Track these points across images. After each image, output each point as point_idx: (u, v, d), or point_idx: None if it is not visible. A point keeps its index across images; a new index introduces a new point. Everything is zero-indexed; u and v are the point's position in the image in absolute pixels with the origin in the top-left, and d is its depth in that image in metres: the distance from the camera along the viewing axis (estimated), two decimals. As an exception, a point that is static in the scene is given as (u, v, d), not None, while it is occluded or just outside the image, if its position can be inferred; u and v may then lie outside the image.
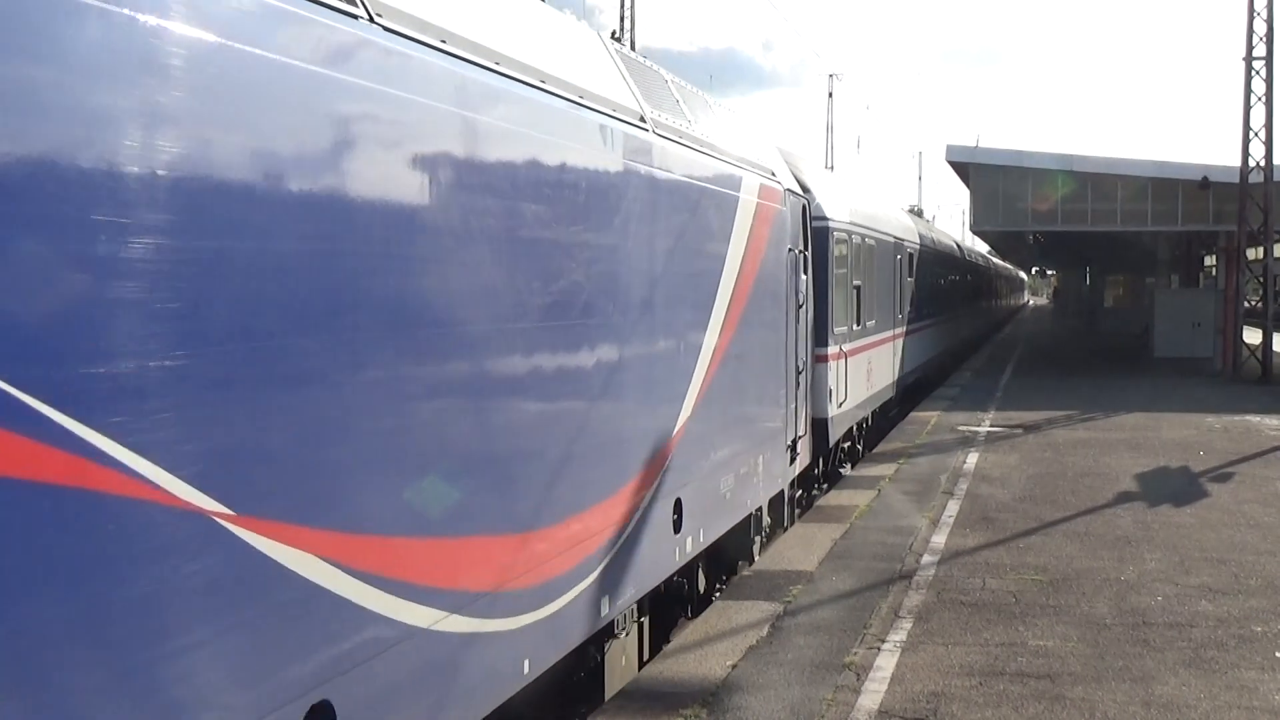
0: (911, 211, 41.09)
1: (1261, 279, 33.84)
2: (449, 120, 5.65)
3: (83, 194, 3.51)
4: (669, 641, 9.69)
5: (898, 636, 9.30)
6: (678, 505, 9.04)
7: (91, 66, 3.56)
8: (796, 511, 14.45)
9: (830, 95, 67.79)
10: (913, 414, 24.15)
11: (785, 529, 13.14)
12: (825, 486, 16.59)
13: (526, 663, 6.45)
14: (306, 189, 4.56)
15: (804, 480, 14.90)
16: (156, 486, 3.79)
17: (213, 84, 4.01)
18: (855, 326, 17.81)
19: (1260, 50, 31.83)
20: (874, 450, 19.75)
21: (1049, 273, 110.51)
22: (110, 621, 3.63)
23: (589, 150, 7.30)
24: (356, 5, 4.92)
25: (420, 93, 5.37)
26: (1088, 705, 7.83)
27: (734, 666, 8.66)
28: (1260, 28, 31.72)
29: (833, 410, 15.89)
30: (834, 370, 15.95)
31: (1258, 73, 31.89)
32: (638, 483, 8.15)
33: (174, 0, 3.86)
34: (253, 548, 4.22)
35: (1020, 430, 21.63)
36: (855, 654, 8.89)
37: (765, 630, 9.52)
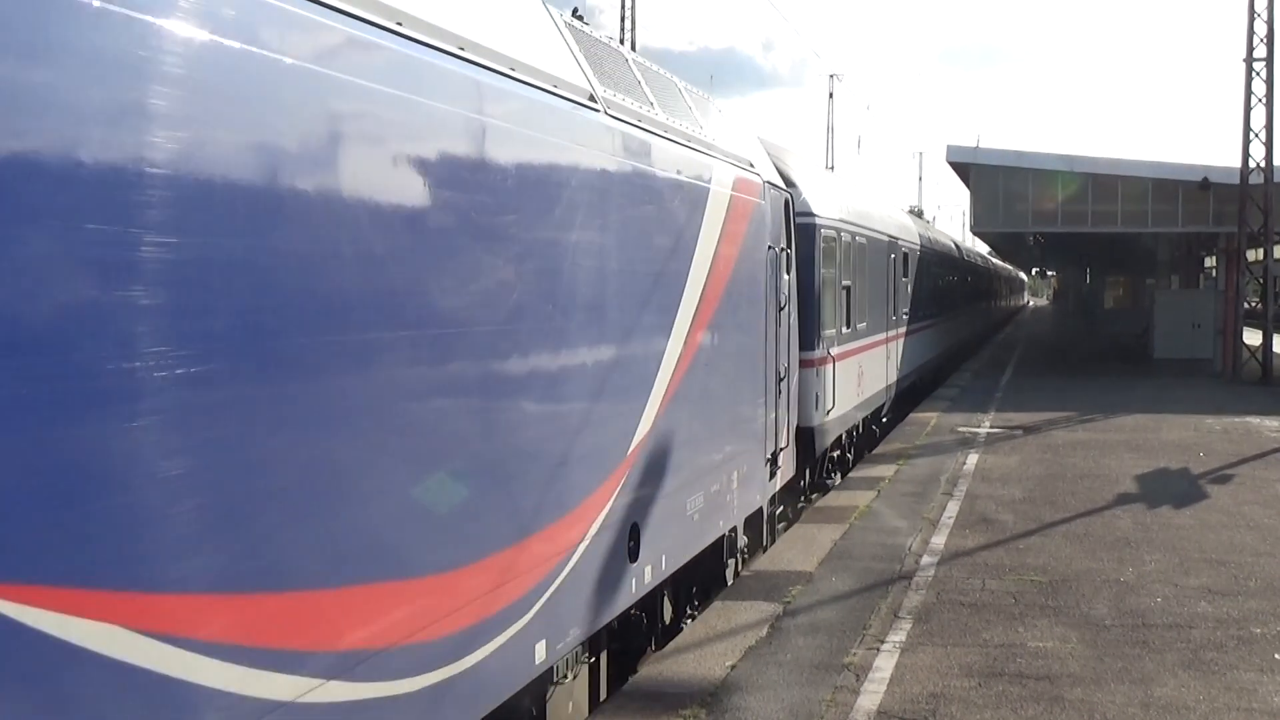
0: (911, 212, 41.14)
1: (1261, 280, 33.84)
2: (315, 81, 4.58)
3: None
4: (635, 673, 8.98)
5: (897, 637, 9.30)
6: (634, 531, 8.08)
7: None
8: (783, 524, 13.79)
9: (831, 95, 67.87)
10: (912, 415, 24.15)
11: (765, 549, 12.26)
12: (814, 497, 15.76)
13: None
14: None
15: (789, 493, 13.95)
16: None
17: None
18: (845, 329, 16.95)
19: (1260, 51, 31.83)
20: (874, 451, 19.75)
21: (1049, 274, 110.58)
22: None
23: (519, 130, 6.30)
24: None
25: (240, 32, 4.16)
26: (1087, 706, 7.83)
27: (733, 667, 8.66)
28: (1260, 29, 31.72)
29: (820, 418, 15.05)
30: (821, 376, 15.11)
31: (1258, 74, 31.89)
32: (584, 508, 7.20)
33: None
34: (15, 621, 3.28)
35: (1020, 431, 21.63)
36: (854, 654, 8.90)
37: (764, 630, 9.52)
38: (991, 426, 22.32)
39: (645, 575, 8.42)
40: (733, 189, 10.43)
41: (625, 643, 9.17)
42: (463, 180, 5.71)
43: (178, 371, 3.85)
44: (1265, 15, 31.60)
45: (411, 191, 5.34)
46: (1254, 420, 23.27)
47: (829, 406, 15.47)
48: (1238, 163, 32.25)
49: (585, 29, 8.47)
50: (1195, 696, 8.01)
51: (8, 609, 3.26)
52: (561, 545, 6.87)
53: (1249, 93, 31.95)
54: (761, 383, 11.55)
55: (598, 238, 7.38)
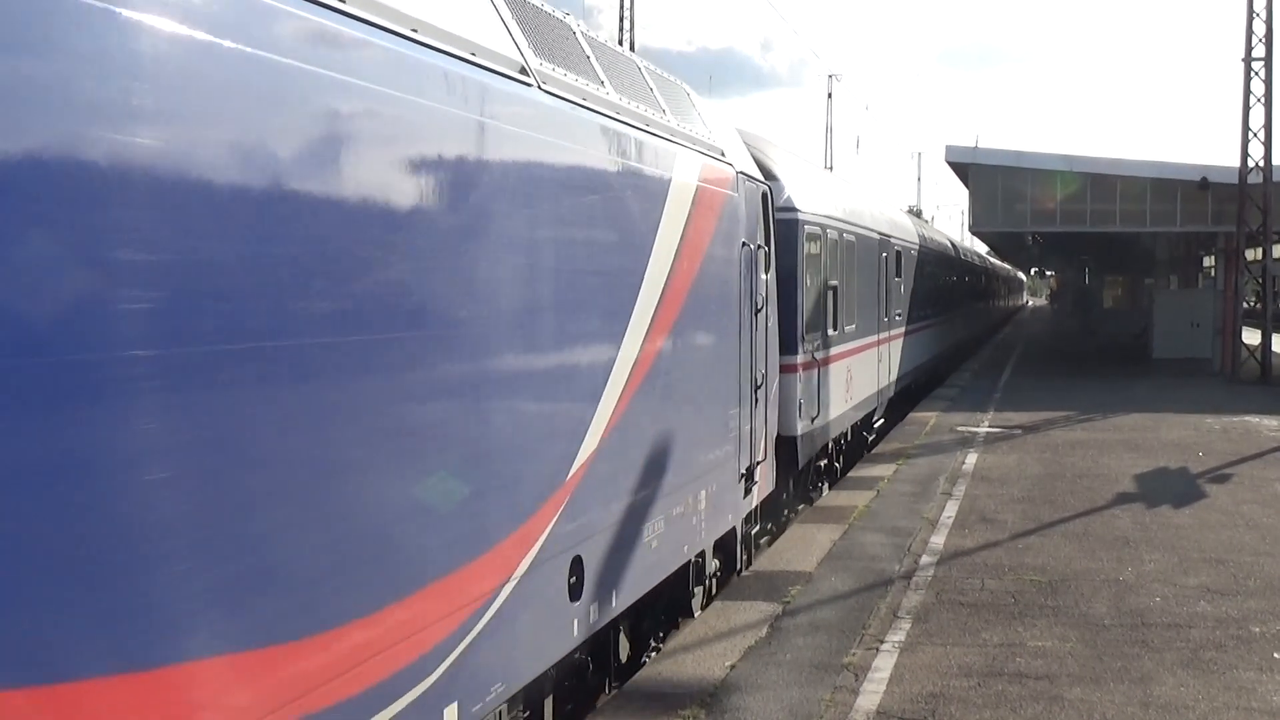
0: (910, 212, 41.14)
1: (1260, 279, 33.87)
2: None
3: None
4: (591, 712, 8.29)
5: (896, 637, 9.30)
6: (577, 565, 7.10)
7: None
8: (767, 537, 13.38)
9: (829, 96, 67.91)
10: (911, 415, 24.15)
11: (739, 573, 11.30)
12: (799, 508, 14.88)
13: None
14: None
15: (769, 509, 13.16)
16: None
17: None
18: (831, 332, 15.88)
19: (1259, 51, 31.84)
20: (873, 451, 19.74)
21: (1048, 273, 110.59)
22: None
23: (421, 103, 5.32)
24: None
25: None
26: (1086, 706, 7.84)
27: (733, 667, 8.66)
28: (1259, 28, 31.74)
29: (803, 427, 14.08)
30: (804, 381, 14.14)
31: (1257, 73, 31.91)
32: (511, 544, 6.20)
33: None
34: None
35: (1019, 431, 21.64)
36: (854, 654, 8.90)
37: (764, 631, 9.53)
38: (991, 426, 22.32)
39: (591, 615, 7.39)
40: (700, 179, 9.47)
41: (578, 685, 8.28)
42: (334, 164, 4.67)
43: None
44: (1264, 15, 31.61)
45: (253, 180, 4.21)
46: (1253, 419, 23.28)
47: (813, 414, 14.56)
48: (1236, 162, 32.26)
49: None
50: (1194, 696, 8.01)
51: None
52: (480, 589, 5.86)
53: (1248, 92, 31.97)
54: (735, 391, 10.57)
55: (527, 232, 6.39)
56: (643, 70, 9.33)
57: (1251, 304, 35.06)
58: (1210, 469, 17.34)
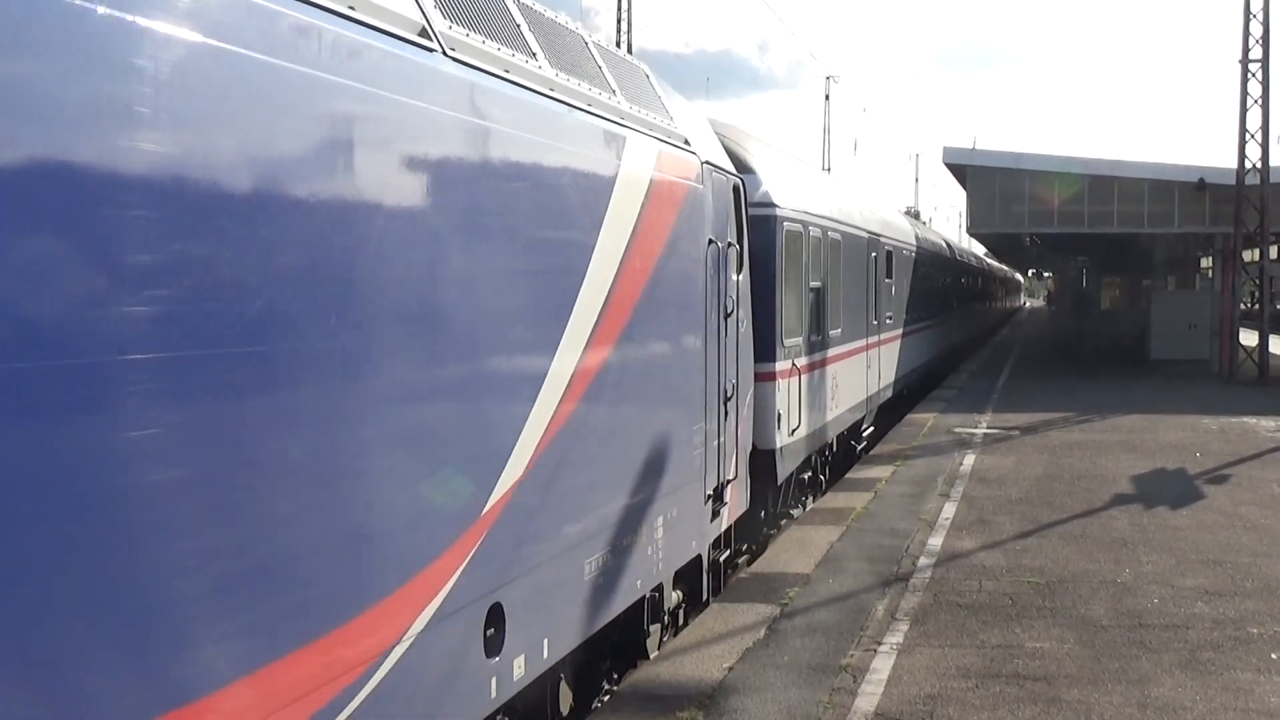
0: (908, 213, 41.11)
1: (1257, 280, 33.90)
2: None
3: None
4: None
5: (894, 639, 9.30)
6: (497, 614, 6.12)
7: None
8: (746, 556, 12.55)
9: (827, 98, 68.00)
10: (909, 416, 24.15)
11: (706, 603, 10.28)
12: (781, 525, 14.02)
13: None
14: None
15: (745, 529, 12.12)
16: None
17: None
18: (814, 336, 14.92)
19: (1256, 53, 31.86)
20: (871, 452, 19.74)
21: (1046, 275, 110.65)
22: None
23: (274, 64, 4.32)
24: None
25: None
26: (1084, 707, 7.84)
27: (730, 669, 8.66)
28: (1256, 30, 31.76)
29: (782, 439, 13.10)
30: (784, 390, 13.19)
31: (1254, 75, 31.93)
32: (403, 597, 5.20)
33: None
34: None
35: (1017, 432, 21.65)
36: (852, 656, 8.90)
37: (762, 632, 9.53)
38: (988, 427, 22.33)
39: (516, 670, 6.39)
40: (657, 169, 8.55)
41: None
42: (174, 140, 3.86)
43: None
44: (1261, 16, 31.64)
45: (76, 154, 3.52)
46: (1250, 420, 23.30)
47: (793, 425, 13.61)
48: (1234, 164, 32.28)
49: None
50: (1192, 697, 8.02)
51: None
52: (358, 654, 4.87)
53: (1245, 94, 31.99)
54: (699, 404, 9.58)
55: (426, 227, 5.41)
56: (590, 46, 8.25)
57: (1249, 305, 35.07)
58: (1208, 470, 17.36)
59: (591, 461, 7.38)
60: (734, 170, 11.14)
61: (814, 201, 15.39)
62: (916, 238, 28.19)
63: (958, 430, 21.91)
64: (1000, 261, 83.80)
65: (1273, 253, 32.98)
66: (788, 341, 13.43)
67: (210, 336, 4.02)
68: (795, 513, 14.56)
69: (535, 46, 6.92)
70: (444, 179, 5.60)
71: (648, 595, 8.71)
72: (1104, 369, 35.99)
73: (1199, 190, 33.59)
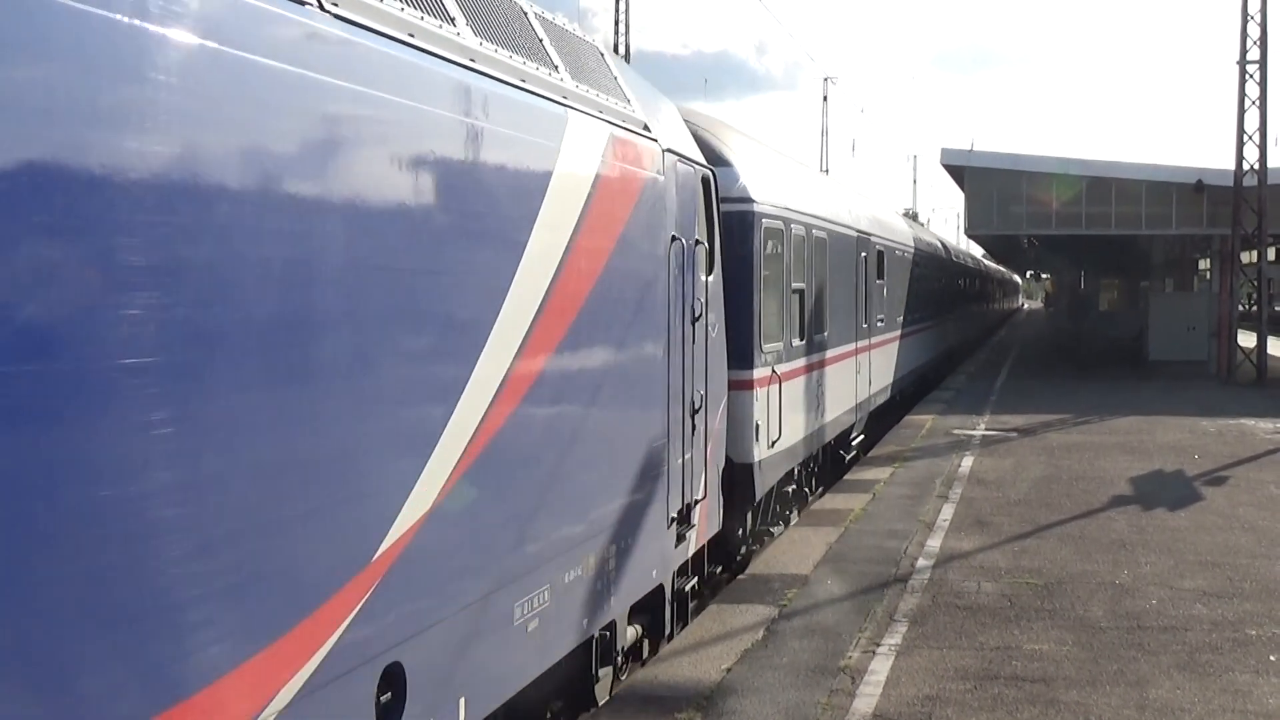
0: (906, 214, 41.12)
1: (1255, 282, 33.94)
2: None
3: None
4: None
5: (893, 640, 9.30)
6: (393, 677, 5.16)
7: None
8: (725, 575, 11.82)
9: (825, 99, 68.04)
10: (908, 418, 24.15)
11: (669, 637, 9.39)
12: (761, 542, 13.12)
13: None
14: None
15: (718, 550, 11.32)
16: None
17: None
18: (797, 341, 13.93)
19: (1254, 54, 31.91)
20: (869, 454, 19.73)
21: (1044, 276, 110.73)
22: None
23: (90, 12, 3.56)
24: None
25: None
26: (1082, 709, 7.84)
27: (729, 670, 8.66)
28: (1254, 31, 31.80)
29: (761, 452, 12.14)
30: (762, 399, 12.21)
31: (1252, 76, 31.98)
32: (265, 663, 4.29)
33: None
34: None
35: (1015, 434, 21.65)
36: (850, 657, 8.90)
37: (760, 634, 9.52)
38: (987, 429, 22.34)
39: None
40: (608, 156, 7.62)
41: None
42: None
43: None
44: (1259, 18, 31.68)
45: None
46: (1248, 422, 23.30)
47: (774, 437, 12.61)
48: (1232, 165, 32.32)
49: None
50: (1190, 699, 8.01)
51: None
52: None
53: (1243, 95, 32.03)
54: (660, 418, 8.64)
55: (299, 215, 4.49)
56: (531, 17, 7.25)
57: (1247, 306, 35.10)
58: (1206, 471, 17.36)
59: (524, 488, 6.40)
60: (704, 161, 10.18)
61: (796, 197, 14.46)
62: (910, 238, 27.52)
63: (956, 432, 21.91)
64: (998, 263, 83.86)
65: (1270, 254, 33.00)
66: (766, 347, 12.49)
67: (30, 352, 3.36)
68: (776, 530, 13.51)
69: (455, 11, 6.02)
70: (327, 162, 4.69)
71: (597, 635, 7.70)
72: (1102, 371, 36.01)
73: (1197, 192, 33.62)
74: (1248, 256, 34.18)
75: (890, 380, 22.92)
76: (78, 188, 3.51)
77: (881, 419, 22.46)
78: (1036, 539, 12.89)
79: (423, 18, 5.55)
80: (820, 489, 16.20)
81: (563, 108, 7.00)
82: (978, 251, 70.00)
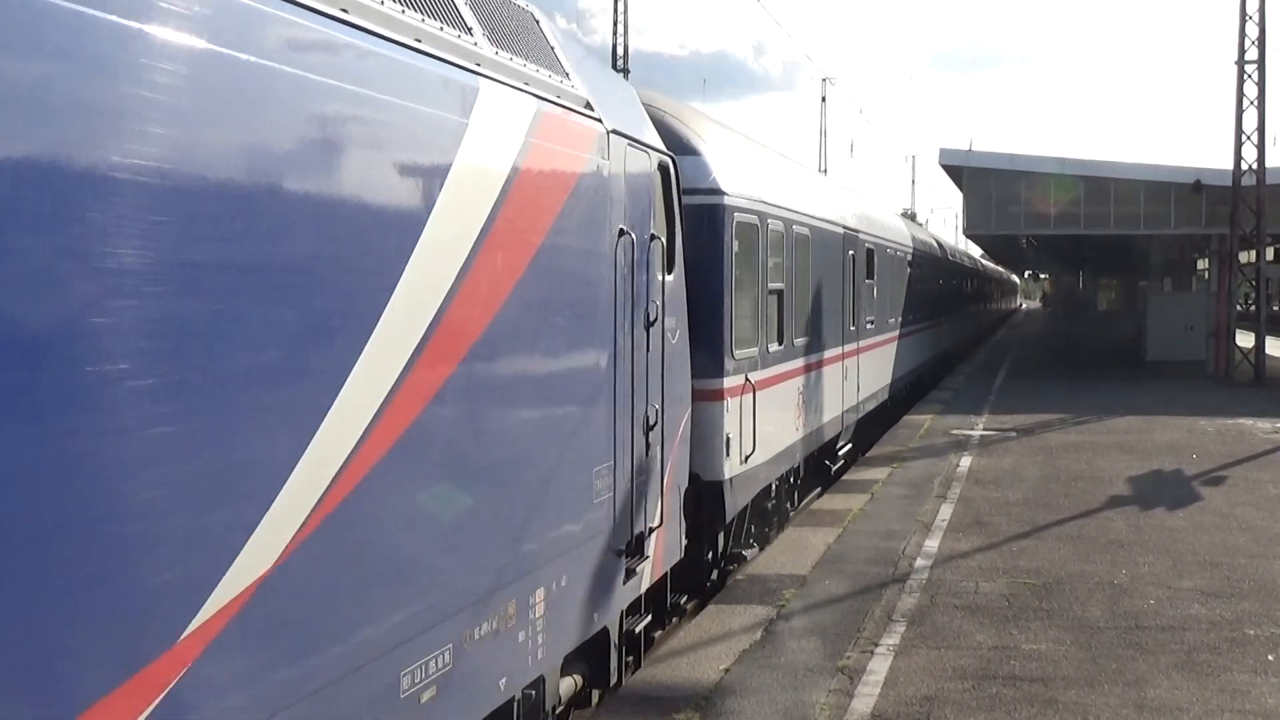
0: (905, 215, 41.10)
1: (1254, 282, 33.95)
2: None
3: None
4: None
5: (891, 640, 9.30)
6: None
7: None
8: (689, 610, 10.72)
9: (823, 99, 68.02)
10: (906, 418, 24.15)
11: (617, 685, 8.27)
12: (733, 568, 11.83)
13: None
14: None
15: (684, 573, 10.18)
16: None
17: None
18: (774, 346, 12.80)
19: (1253, 54, 31.93)
20: (867, 454, 19.73)
21: (1042, 276, 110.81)
22: None
23: None
24: None
25: None
26: (1080, 708, 7.84)
27: (727, 670, 8.66)
28: (1252, 31, 31.82)
29: (732, 469, 10.97)
30: (734, 410, 11.10)
31: (1250, 76, 31.99)
32: None
33: None
34: None
35: (1014, 434, 21.65)
36: (848, 658, 8.90)
37: (758, 634, 9.52)
38: (985, 429, 22.34)
39: None
40: (535, 136, 6.53)
41: None
42: None
43: None
44: (1257, 18, 31.70)
45: None
46: (1247, 422, 23.31)
47: (747, 451, 11.50)
48: (1230, 165, 32.34)
49: None
50: (1189, 698, 8.01)
51: None
52: None
53: (1241, 95, 32.05)
54: (605, 437, 7.57)
55: (72, 197, 3.47)
56: None
57: (1245, 306, 35.14)
58: (1204, 471, 17.37)
59: (413, 533, 5.27)
60: (663, 148, 9.14)
61: (775, 190, 13.31)
62: (904, 235, 26.37)
63: (954, 432, 21.91)
64: (996, 263, 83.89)
65: (1269, 254, 33.02)
66: (739, 353, 11.36)
67: None
68: (749, 553, 12.20)
69: None
70: (132, 128, 3.69)
71: (519, 695, 6.59)
72: (1100, 371, 36.03)
73: (1195, 192, 33.64)
74: (1246, 256, 34.20)
75: (882, 385, 21.93)
76: None
77: (874, 425, 21.88)
78: (1035, 539, 12.89)
79: None
80: (801, 503, 15.20)
81: (474, 76, 5.91)
82: (975, 251, 70.01)
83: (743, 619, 9.96)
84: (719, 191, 11.11)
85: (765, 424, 12.13)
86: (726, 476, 10.86)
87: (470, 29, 6.17)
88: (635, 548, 8.17)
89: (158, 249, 3.75)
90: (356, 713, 4.84)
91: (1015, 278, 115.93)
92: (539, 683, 6.88)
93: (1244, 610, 10.08)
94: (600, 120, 7.62)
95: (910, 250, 26.53)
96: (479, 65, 6.01)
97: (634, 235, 8.03)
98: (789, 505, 14.35)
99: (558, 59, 7.44)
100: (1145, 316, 41.00)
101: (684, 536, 9.57)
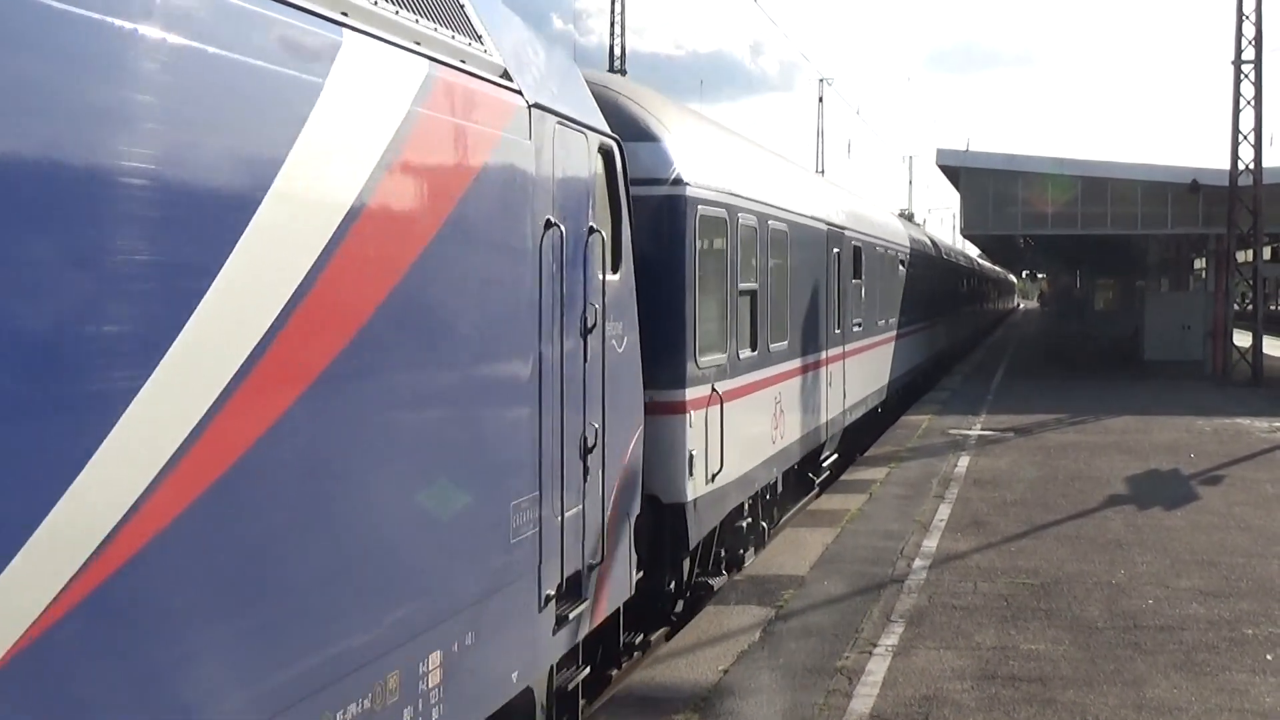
0: (902, 215, 41.08)
1: (1251, 281, 33.97)
2: None
3: None
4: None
5: (889, 641, 9.30)
6: None
7: None
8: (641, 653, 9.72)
9: (820, 100, 68.05)
10: (903, 418, 24.15)
11: None
12: (693, 601, 10.79)
13: None
14: None
15: (642, 608, 9.38)
16: None
17: None
18: (746, 352, 11.66)
19: (1249, 54, 31.95)
20: (865, 454, 19.73)
21: (1040, 276, 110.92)
22: None
23: None
24: None
25: None
26: (1079, 708, 7.84)
27: (725, 671, 8.65)
28: (1249, 31, 31.86)
29: (696, 489, 9.94)
30: (698, 425, 10.05)
31: (1246, 76, 32.01)
32: None
33: None
34: None
35: (1011, 434, 21.66)
36: (847, 658, 8.89)
37: (757, 635, 9.52)
38: (983, 429, 22.35)
39: None
40: (420, 104, 5.36)
41: None
42: None
43: None
44: (1254, 18, 31.73)
45: None
46: (1244, 421, 23.33)
47: (714, 469, 10.42)
48: (1227, 165, 32.36)
49: None
50: (1187, 698, 8.02)
51: None
52: None
53: (1238, 95, 32.07)
54: (527, 465, 6.44)
55: None
56: None
57: (1242, 306, 35.18)
58: (1202, 471, 17.38)
59: (235, 597, 4.14)
60: (607, 130, 8.13)
61: (747, 182, 12.18)
62: (895, 233, 25.14)
63: (952, 432, 21.92)
64: (994, 263, 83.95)
65: (1266, 254, 33.04)
66: (704, 361, 10.29)
67: None
68: (716, 583, 11.20)
69: None
70: None
71: None
72: (1098, 370, 36.06)
73: (1192, 192, 33.67)
74: (1243, 256, 34.21)
75: (872, 391, 20.77)
76: None
77: (869, 429, 21.42)
78: (1033, 539, 12.89)
79: None
80: (781, 520, 14.17)
81: (334, 27, 4.80)
82: (973, 251, 70.06)
83: (741, 619, 9.96)
84: (680, 182, 10.08)
85: (735, 438, 11.04)
86: (689, 498, 9.85)
87: None
88: (569, 591, 7.07)
89: None
90: None
91: (1012, 277, 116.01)
92: None
93: (1242, 610, 10.09)
94: (520, 93, 6.52)
95: (902, 249, 25.60)
96: (345, 15, 4.93)
97: (565, 228, 6.91)
98: (764, 525, 13.12)
99: (467, 18, 6.29)
100: (1143, 316, 41.06)
101: (635, 570, 8.49)
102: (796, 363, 14.16)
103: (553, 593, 6.78)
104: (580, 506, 7.21)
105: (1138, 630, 9.53)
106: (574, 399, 7.06)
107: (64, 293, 3.43)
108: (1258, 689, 8.18)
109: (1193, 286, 45.53)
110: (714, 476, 10.44)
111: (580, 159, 7.42)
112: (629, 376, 8.27)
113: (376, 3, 5.19)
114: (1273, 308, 62.86)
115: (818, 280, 15.57)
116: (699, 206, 10.31)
